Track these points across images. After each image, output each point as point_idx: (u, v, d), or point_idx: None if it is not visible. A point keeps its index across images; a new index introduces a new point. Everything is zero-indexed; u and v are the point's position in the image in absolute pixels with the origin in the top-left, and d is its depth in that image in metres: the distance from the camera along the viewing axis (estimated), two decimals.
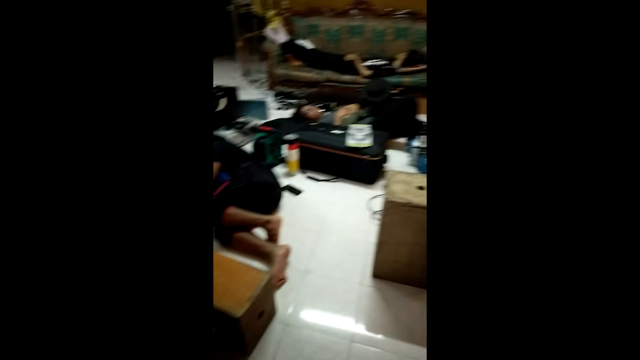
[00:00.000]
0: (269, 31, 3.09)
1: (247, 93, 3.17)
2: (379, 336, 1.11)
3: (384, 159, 1.98)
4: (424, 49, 2.87)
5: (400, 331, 1.13)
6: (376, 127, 2.00)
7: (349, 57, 2.89)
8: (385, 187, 1.15)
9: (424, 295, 1.24)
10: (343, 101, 2.60)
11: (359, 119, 2.29)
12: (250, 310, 0.95)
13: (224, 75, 3.77)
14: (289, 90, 3.06)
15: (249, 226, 1.45)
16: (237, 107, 2.64)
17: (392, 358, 1.05)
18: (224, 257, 1.11)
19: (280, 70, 3.06)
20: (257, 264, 1.34)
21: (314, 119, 2.39)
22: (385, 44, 3.08)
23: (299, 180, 1.94)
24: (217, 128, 2.37)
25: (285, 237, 1.47)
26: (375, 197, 1.77)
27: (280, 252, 1.32)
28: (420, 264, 1.19)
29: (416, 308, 1.20)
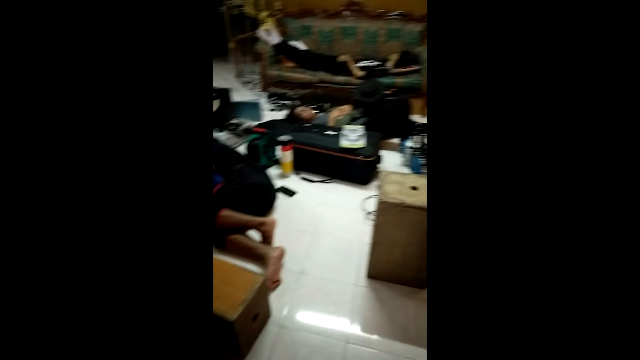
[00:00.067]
0: (261, 32, 3.08)
1: (241, 94, 3.16)
2: (374, 337, 1.12)
3: (378, 160, 1.99)
4: (416, 49, 2.89)
5: (395, 331, 1.13)
6: (369, 128, 2.00)
7: (342, 58, 2.89)
8: (379, 187, 1.16)
9: (418, 295, 1.25)
10: (336, 102, 2.61)
11: (352, 120, 2.29)
12: (244, 313, 0.95)
13: (217, 77, 3.74)
14: (283, 91, 3.05)
15: (243, 228, 1.44)
16: (231, 109, 2.63)
17: (387, 358, 1.05)
18: (218, 260, 1.10)
19: (273, 72, 3.05)
20: (251, 266, 1.33)
21: (307, 120, 2.39)
22: (377, 45, 3.09)
23: (292, 181, 1.94)
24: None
25: (279, 238, 1.46)
26: (369, 197, 1.78)
27: (274, 254, 1.31)
28: (414, 263, 1.20)
29: (410, 308, 1.20)
